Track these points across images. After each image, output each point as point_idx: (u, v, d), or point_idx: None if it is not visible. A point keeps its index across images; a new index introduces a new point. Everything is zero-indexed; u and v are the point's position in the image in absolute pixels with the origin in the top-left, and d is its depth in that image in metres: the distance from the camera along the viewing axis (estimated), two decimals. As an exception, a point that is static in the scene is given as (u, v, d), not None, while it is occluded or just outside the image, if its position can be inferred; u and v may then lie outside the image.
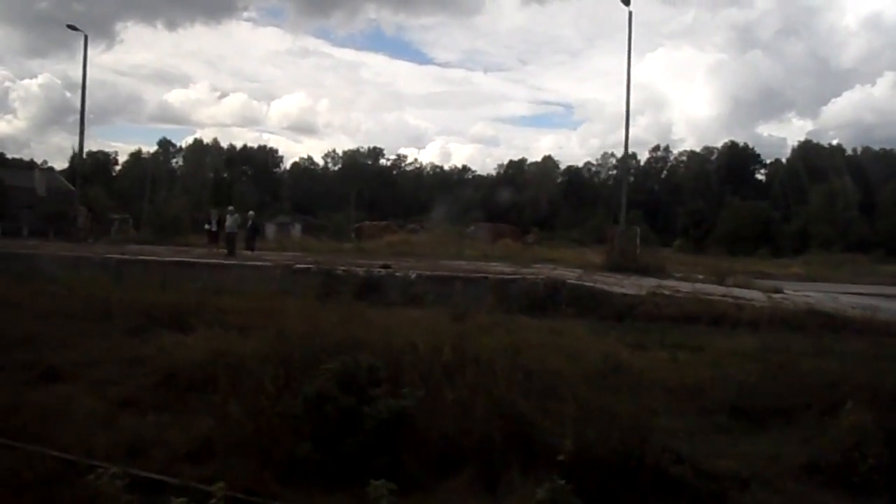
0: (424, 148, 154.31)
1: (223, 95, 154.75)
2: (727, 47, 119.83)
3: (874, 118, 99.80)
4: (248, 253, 20.38)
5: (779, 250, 50.24)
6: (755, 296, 16.10)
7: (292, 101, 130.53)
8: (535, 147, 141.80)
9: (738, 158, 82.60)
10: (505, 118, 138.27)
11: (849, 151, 77.61)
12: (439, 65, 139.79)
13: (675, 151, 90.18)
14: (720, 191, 79.93)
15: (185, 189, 59.24)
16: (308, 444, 4.88)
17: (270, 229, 47.11)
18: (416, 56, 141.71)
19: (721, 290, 16.98)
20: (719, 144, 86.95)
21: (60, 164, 73.96)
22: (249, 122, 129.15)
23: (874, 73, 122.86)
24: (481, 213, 72.74)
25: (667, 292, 14.61)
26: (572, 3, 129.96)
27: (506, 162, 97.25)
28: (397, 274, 14.89)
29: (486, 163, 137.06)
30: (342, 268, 15.13)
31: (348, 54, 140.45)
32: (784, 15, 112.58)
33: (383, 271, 15.12)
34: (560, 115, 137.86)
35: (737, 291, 16.78)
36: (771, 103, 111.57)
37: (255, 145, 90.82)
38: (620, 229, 21.65)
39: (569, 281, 14.75)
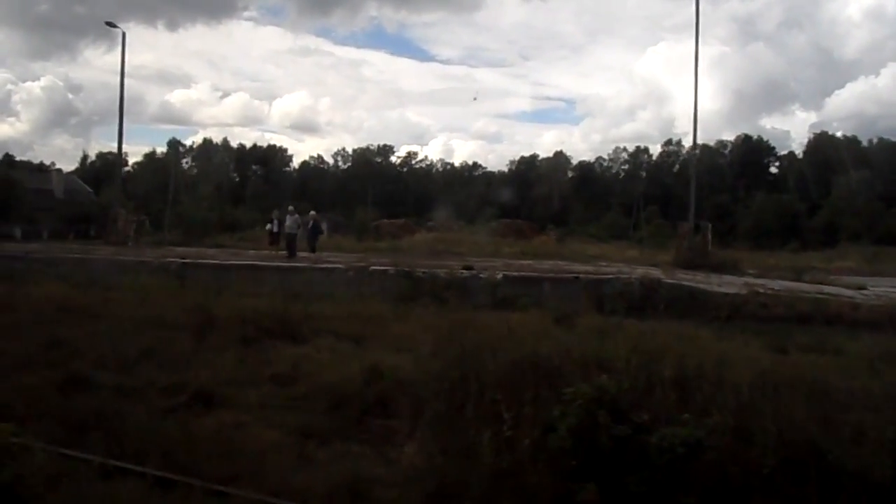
0: (427, 145, 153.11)
1: (225, 95, 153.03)
2: (729, 40, 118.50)
3: (878, 109, 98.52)
4: (310, 255, 19.51)
5: (805, 244, 49.43)
6: (849, 293, 15.36)
7: (294, 100, 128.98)
8: (538, 143, 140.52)
9: (752, 152, 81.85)
10: (507, 114, 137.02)
11: (864, 143, 76.91)
12: (441, 62, 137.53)
13: (687, 145, 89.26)
14: (735, 184, 79.32)
15: (214, 189, 58.15)
16: (592, 486, 4.09)
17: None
18: (418, 53, 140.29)
19: (808, 287, 16.21)
20: (722, 138, 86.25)
21: (64, 166, 73.10)
22: (251, 121, 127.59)
23: (877, 64, 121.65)
24: (494, 210, 71.79)
25: (768, 291, 13.84)
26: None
27: (516, 158, 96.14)
28: (482, 275, 14.08)
29: (488, 159, 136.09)
30: (422, 270, 14.32)
31: (350, 52, 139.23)
32: (786, 7, 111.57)
33: (466, 273, 14.30)
34: (562, 111, 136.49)
35: (826, 289, 16.01)
36: (774, 96, 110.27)
37: (265, 144, 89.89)
38: (690, 226, 20.91)
39: (665, 280, 13.97)
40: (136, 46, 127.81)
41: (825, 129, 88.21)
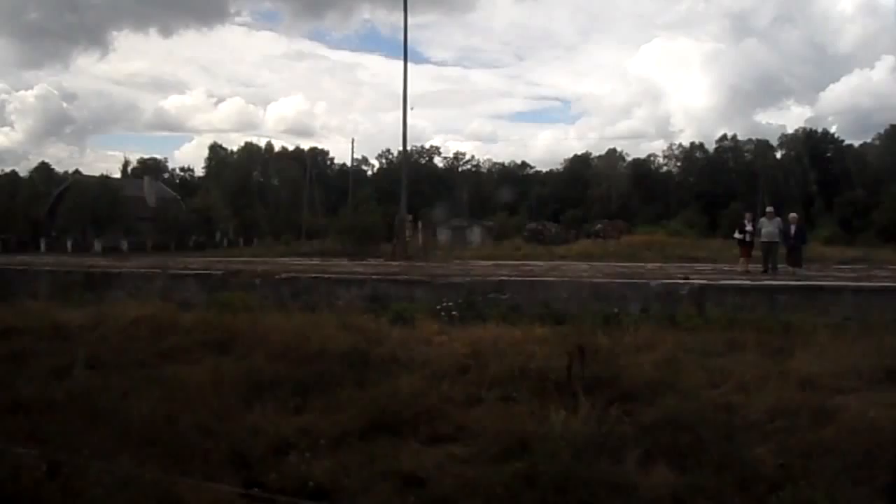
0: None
1: (219, 101, 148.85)
2: (723, 36, 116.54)
3: (872, 103, 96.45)
4: (792, 270, 15.03)
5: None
6: None
7: (289, 104, 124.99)
8: (533, 142, 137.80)
9: (817, 146, 79.83)
10: (503, 114, 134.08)
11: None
12: (435, 63, 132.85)
13: (743, 139, 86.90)
14: (804, 179, 77.16)
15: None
16: None
17: (444, 234, 42.20)
18: (412, 55, 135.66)
19: None
20: (723, 132, 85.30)
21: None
22: (246, 126, 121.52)
23: (872, 57, 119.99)
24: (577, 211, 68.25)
25: None
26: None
27: (570, 156, 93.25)
28: None
29: (484, 159, 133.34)
30: None
31: (344, 56, 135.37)
32: (779, 2, 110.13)
33: None
34: (557, 110, 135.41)
35: None
36: (768, 91, 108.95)
37: (306, 147, 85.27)
38: None
39: None
40: (128, 54, 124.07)
41: (820, 123, 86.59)
